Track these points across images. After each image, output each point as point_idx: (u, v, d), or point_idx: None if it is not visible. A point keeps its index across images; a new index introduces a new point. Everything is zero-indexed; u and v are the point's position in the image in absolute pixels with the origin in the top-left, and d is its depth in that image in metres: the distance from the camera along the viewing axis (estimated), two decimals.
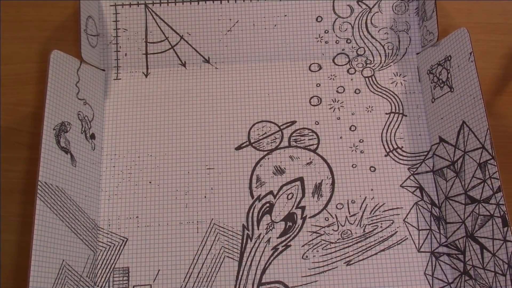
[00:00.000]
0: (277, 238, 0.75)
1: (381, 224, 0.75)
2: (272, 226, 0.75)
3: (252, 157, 0.78)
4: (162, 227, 0.75)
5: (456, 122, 0.72)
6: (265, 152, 0.78)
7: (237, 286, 0.72)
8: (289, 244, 0.74)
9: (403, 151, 0.78)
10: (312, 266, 0.73)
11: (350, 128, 0.80)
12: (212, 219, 0.75)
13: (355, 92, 0.82)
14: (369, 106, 0.81)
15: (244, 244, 0.74)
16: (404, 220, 0.75)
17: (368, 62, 0.83)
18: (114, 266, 0.73)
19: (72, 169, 0.72)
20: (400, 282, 0.72)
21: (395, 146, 0.78)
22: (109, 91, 0.82)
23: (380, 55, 0.83)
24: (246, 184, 0.77)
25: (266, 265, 0.73)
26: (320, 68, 0.83)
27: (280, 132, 0.80)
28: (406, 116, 0.80)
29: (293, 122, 0.80)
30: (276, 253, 0.74)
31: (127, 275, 0.73)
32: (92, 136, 0.78)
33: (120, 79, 0.83)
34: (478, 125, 0.68)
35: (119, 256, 0.74)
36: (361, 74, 0.82)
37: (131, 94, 0.82)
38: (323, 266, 0.73)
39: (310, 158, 0.78)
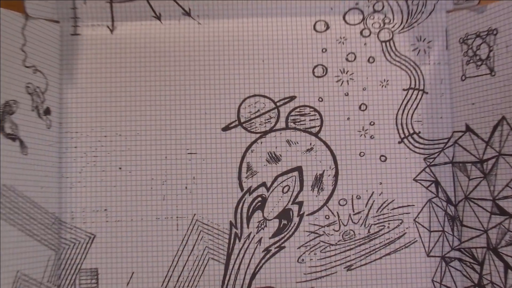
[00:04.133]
0: (270, 238, 0.65)
1: (389, 224, 0.65)
2: (264, 224, 0.65)
3: (242, 140, 0.66)
4: (135, 222, 0.64)
5: (493, 114, 0.60)
6: (258, 135, 0.66)
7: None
8: (283, 245, 0.65)
9: (420, 137, 0.66)
10: (308, 271, 0.64)
11: (360, 107, 0.67)
12: (195, 214, 0.65)
13: (368, 61, 0.67)
14: (384, 80, 0.67)
15: (231, 245, 0.64)
16: (414, 219, 0.65)
17: (386, 21, 0.67)
18: (80, 266, 0.64)
19: (22, 159, 0.59)
20: None
21: (411, 131, 0.66)
22: (66, 51, 0.66)
23: (401, 12, 0.67)
24: (235, 173, 0.65)
25: (257, 269, 0.64)
26: (328, 27, 0.67)
27: (276, 110, 0.66)
28: (427, 93, 0.67)
29: (292, 98, 0.66)
30: (268, 256, 0.65)
31: (95, 277, 0.64)
32: (47, 112, 0.64)
33: (79, 34, 0.67)
34: None
35: (85, 256, 0.64)
36: (377, 38, 0.67)
37: (94, 55, 0.66)
38: (320, 271, 0.65)
39: (310, 144, 0.66)
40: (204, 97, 0.66)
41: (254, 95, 0.66)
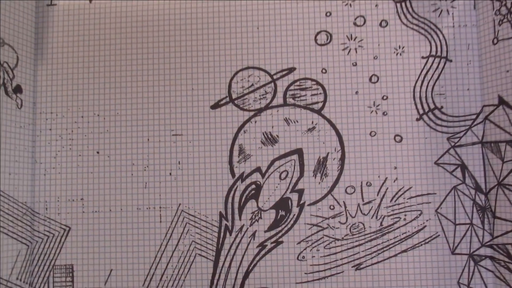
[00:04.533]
0: (265, 231, 0.56)
1: (405, 215, 0.56)
2: (259, 215, 0.56)
3: (233, 119, 0.57)
4: (114, 213, 0.57)
5: None
6: (252, 113, 0.57)
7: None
8: (280, 240, 0.56)
9: (442, 113, 0.56)
10: (310, 270, 0.56)
11: (370, 79, 0.57)
12: (180, 204, 0.57)
13: (380, 25, 0.58)
14: (399, 47, 0.57)
15: (221, 239, 0.56)
16: (436, 210, 0.56)
17: None
18: (54, 263, 0.57)
19: None
20: None
21: (432, 106, 0.56)
22: (41, 23, 0.60)
23: None
24: (225, 157, 0.57)
25: (250, 267, 0.56)
26: None
27: (272, 84, 0.58)
28: (450, 61, 0.57)
29: (290, 70, 0.58)
30: (263, 252, 0.56)
31: (70, 274, 0.57)
32: (17, 89, 0.57)
33: (54, 5, 0.60)
34: None
35: (60, 250, 0.57)
36: None
37: (71, 27, 0.60)
38: (324, 271, 0.56)
39: (312, 122, 0.57)
40: (191, 71, 0.58)
41: (247, 68, 0.58)
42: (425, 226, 0.56)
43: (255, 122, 0.57)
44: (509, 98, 0.52)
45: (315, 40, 0.58)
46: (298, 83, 0.57)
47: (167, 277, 0.56)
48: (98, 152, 0.58)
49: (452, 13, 0.57)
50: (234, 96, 0.58)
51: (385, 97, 0.57)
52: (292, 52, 0.58)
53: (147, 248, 0.57)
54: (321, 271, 0.56)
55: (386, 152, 0.56)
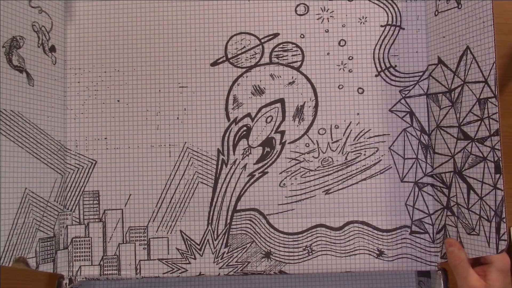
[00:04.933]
0: (254, 164, 0.70)
1: (365, 151, 0.70)
2: (249, 151, 0.70)
3: (229, 75, 0.71)
4: (132, 149, 0.71)
5: (460, 45, 0.63)
6: (244, 69, 0.71)
7: (211, 212, 0.70)
8: (266, 170, 0.70)
9: (396, 70, 0.70)
10: (289, 194, 0.70)
11: (339, 43, 0.71)
12: (186, 142, 0.71)
13: None
14: (363, 17, 0.71)
15: (219, 170, 0.70)
16: (389, 147, 0.70)
17: None
18: (83, 189, 0.71)
19: (29, 89, 0.66)
20: (379, 212, 0.69)
21: (388, 65, 0.70)
22: None
23: None
24: (222, 105, 0.71)
25: (242, 192, 0.70)
26: None
27: (261, 46, 0.71)
28: (403, 29, 0.71)
29: (275, 35, 0.71)
30: (252, 180, 0.70)
31: (97, 198, 0.71)
32: (52, 49, 0.70)
33: None
34: (484, 55, 0.60)
35: (88, 179, 0.71)
36: None
37: None
38: (300, 195, 0.70)
39: (292, 77, 0.71)
40: (194, 35, 0.71)
41: (241, 33, 0.71)
42: (380, 160, 0.70)
43: (247, 77, 0.71)
44: (444, 58, 0.66)
45: (295, 11, 0.71)
46: (281, 45, 0.71)
47: (175, 199, 0.70)
48: (118, 101, 0.71)
49: None
50: (229, 55, 0.71)
51: (350, 58, 0.71)
52: (277, 20, 0.71)
53: (159, 178, 0.70)
54: (298, 195, 0.70)
55: (351, 101, 0.70)
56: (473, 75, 0.61)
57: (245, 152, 0.70)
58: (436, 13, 0.68)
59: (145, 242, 0.70)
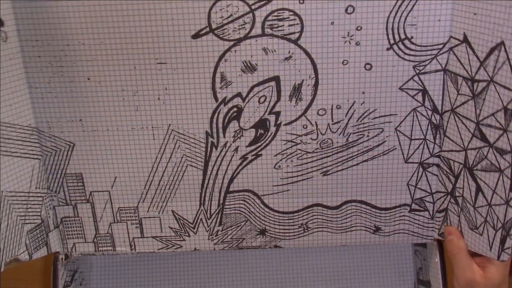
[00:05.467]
0: (246, 146, 0.64)
1: (368, 133, 0.64)
2: (241, 133, 0.64)
3: (214, 49, 0.60)
4: (111, 132, 0.64)
5: (493, 35, 0.52)
6: (231, 42, 0.60)
7: (203, 193, 0.67)
8: (260, 153, 0.65)
9: (412, 42, 0.59)
10: (284, 176, 0.66)
11: (346, 10, 0.58)
12: (170, 124, 0.63)
13: None
14: None
15: (208, 153, 0.65)
16: (396, 128, 0.63)
17: None
18: (65, 172, 0.66)
19: None
20: (379, 192, 0.66)
21: (403, 36, 0.59)
22: None
23: None
24: (208, 83, 0.61)
25: (234, 174, 0.66)
26: None
27: (251, 14, 0.59)
28: None
29: (268, 0, 0.58)
30: (245, 163, 0.65)
31: (81, 181, 0.67)
32: (0, 23, 0.58)
33: None
34: None
35: (68, 162, 0.66)
36: None
37: None
38: (297, 176, 0.66)
39: (289, 52, 0.60)
40: (170, 1, 0.58)
41: None
42: (384, 141, 0.64)
43: (235, 51, 0.60)
44: (472, 39, 0.55)
45: None
46: (276, 13, 0.59)
47: (164, 182, 0.66)
48: (88, 79, 0.62)
49: None
50: (214, 26, 0.59)
51: (359, 28, 0.59)
52: None
53: (144, 160, 0.65)
54: (294, 177, 0.66)
55: (356, 79, 0.61)
56: (503, 78, 0.52)
57: (236, 135, 0.64)
58: None
59: (137, 221, 0.68)
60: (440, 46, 0.59)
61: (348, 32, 0.59)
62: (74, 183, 0.67)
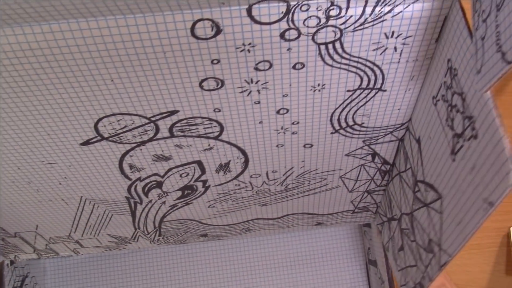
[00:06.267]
0: (175, 200, 0.57)
1: (309, 182, 0.56)
2: (165, 194, 0.55)
3: (112, 152, 0.47)
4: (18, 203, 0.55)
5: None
6: (134, 144, 0.46)
7: (136, 224, 0.62)
8: (191, 202, 0.58)
9: (362, 126, 0.46)
10: (220, 210, 0.60)
11: (278, 112, 0.43)
12: (82, 196, 0.54)
13: (294, 67, 0.38)
14: (319, 84, 0.40)
15: (133, 207, 0.58)
16: (341, 176, 0.55)
17: (332, 14, 0.34)
18: None
19: None
20: (321, 205, 0.62)
21: (351, 123, 0.46)
22: None
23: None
24: (117, 172, 0.50)
25: (165, 215, 0.60)
26: (218, 30, 0.34)
27: (152, 124, 0.43)
28: (385, 91, 0.42)
29: (172, 112, 0.42)
30: (175, 208, 0.59)
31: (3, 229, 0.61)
32: None
33: None
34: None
35: None
36: (312, 40, 0.36)
37: None
38: (234, 210, 0.60)
39: (209, 145, 0.47)
40: (45, 111, 0.42)
41: (113, 114, 0.42)
42: (327, 184, 0.57)
43: (141, 150, 0.47)
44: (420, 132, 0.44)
45: (201, 86, 0.39)
46: (185, 121, 0.43)
47: (91, 223, 0.61)
48: None
49: (402, 50, 0.37)
50: (106, 135, 0.45)
51: (295, 123, 0.45)
52: (171, 98, 0.41)
53: (65, 214, 0.58)
54: (231, 211, 0.61)
55: (294, 155, 0.50)
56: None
57: (160, 196, 0.56)
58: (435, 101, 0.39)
59: (74, 241, 0.66)
60: (398, 126, 0.47)
61: (282, 126, 0.46)
62: None
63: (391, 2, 0.34)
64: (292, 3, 0.33)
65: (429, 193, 0.45)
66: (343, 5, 0.34)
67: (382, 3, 0.34)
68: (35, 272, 0.75)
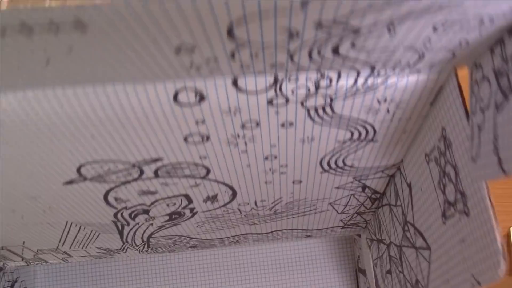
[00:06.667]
0: (163, 222, 0.56)
1: (298, 208, 0.55)
2: (153, 218, 0.55)
3: (97, 189, 0.46)
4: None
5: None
6: (118, 183, 0.45)
7: (124, 239, 0.62)
8: (179, 224, 0.57)
9: (353, 167, 0.45)
10: (208, 229, 0.60)
11: (265, 158, 0.42)
12: (67, 221, 0.54)
13: (282, 125, 0.37)
14: (308, 137, 0.39)
15: (121, 228, 0.57)
16: (330, 203, 0.54)
17: (322, 84, 0.32)
18: None
19: None
20: (310, 224, 0.62)
21: (341, 165, 0.45)
22: None
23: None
24: (102, 203, 0.49)
25: (153, 233, 0.60)
26: (202, 98, 0.33)
27: (136, 167, 0.42)
28: (376, 141, 0.40)
29: (156, 160, 0.41)
30: (163, 228, 0.58)
31: None
32: None
33: None
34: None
35: None
36: (301, 106, 0.34)
37: None
38: (222, 228, 0.60)
39: (195, 183, 0.46)
40: (26, 159, 0.41)
41: (95, 161, 0.41)
42: (317, 208, 0.56)
43: (126, 187, 0.46)
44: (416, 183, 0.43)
45: (185, 140, 0.38)
46: (169, 166, 0.42)
47: (79, 239, 0.61)
48: None
49: (395, 111, 0.36)
50: (89, 176, 0.43)
51: (284, 165, 0.44)
52: (154, 146, 0.39)
53: (53, 230, 0.58)
54: (219, 229, 0.60)
55: (282, 190, 0.49)
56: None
57: (147, 220, 0.55)
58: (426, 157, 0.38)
59: (62, 252, 0.65)
60: (389, 166, 0.46)
61: (271, 168, 0.45)
62: None
63: (383, 74, 0.32)
64: (280, 74, 0.32)
65: (419, 239, 0.45)
66: (334, 76, 0.32)
67: (376, 75, 0.32)
68: (25, 276, 0.75)
